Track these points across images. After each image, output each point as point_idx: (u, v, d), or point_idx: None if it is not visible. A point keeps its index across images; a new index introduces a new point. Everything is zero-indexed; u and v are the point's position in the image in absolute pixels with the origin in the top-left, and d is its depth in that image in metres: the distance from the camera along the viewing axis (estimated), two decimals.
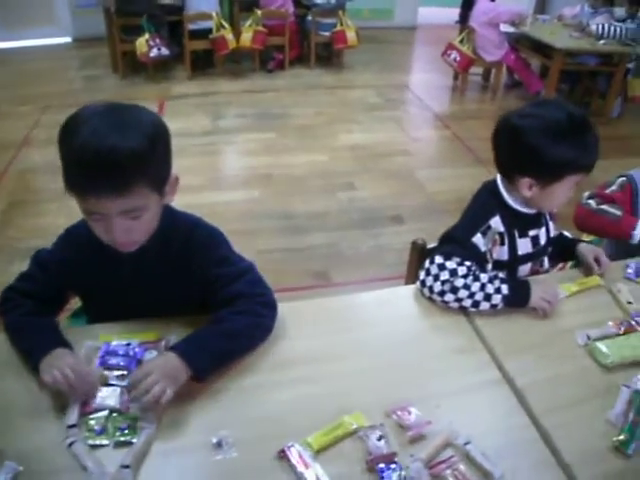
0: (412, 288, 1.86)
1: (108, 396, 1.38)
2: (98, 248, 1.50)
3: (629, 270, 2.00)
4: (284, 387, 1.47)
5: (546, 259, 2.06)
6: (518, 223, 1.90)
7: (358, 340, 1.66)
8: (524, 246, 1.93)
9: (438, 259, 1.75)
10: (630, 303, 1.83)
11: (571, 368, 1.59)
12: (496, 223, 1.84)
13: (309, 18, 7.82)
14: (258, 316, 1.55)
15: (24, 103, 6.43)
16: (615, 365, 1.58)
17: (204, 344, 1.45)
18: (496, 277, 1.76)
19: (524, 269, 1.98)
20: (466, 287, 1.70)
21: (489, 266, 1.86)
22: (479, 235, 1.80)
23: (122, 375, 1.44)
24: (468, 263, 1.74)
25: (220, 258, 1.61)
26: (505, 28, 7.16)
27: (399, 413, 1.38)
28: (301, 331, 1.68)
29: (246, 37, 7.39)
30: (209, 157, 5.41)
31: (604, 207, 2.23)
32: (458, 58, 7.07)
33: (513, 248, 1.90)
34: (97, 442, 1.28)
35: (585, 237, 2.69)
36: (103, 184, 1.30)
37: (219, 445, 1.29)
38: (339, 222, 4.38)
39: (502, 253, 1.89)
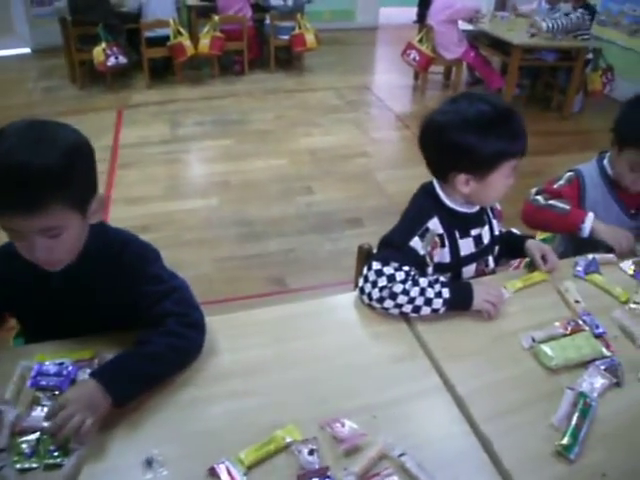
0: (353, 295, 1.81)
1: (40, 417, 1.33)
2: (28, 266, 1.45)
3: (578, 268, 1.97)
4: (219, 401, 1.44)
5: (491, 259, 2.02)
6: (458, 223, 1.86)
7: (296, 350, 1.63)
8: (466, 246, 1.89)
9: (375, 265, 1.70)
10: (578, 302, 1.80)
11: (515, 372, 1.57)
12: (434, 225, 1.79)
13: (267, 22, 7.78)
14: (182, 338, 1.50)
15: None
16: (560, 367, 1.55)
17: (124, 369, 1.41)
18: (437, 281, 1.72)
19: (469, 270, 1.94)
20: (405, 292, 1.65)
21: (430, 270, 1.81)
22: (417, 238, 1.75)
23: (54, 395, 1.41)
24: (406, 268, 1.69)
25: (151, 275, 1.58)
26: (464, 26, 7.16)
27: (333, 425, 1.35)
28: (237, 343, 1.64)
29: (204, 43, 7.32)
30: (167, 166, 5.34)
31: (552, 202, 2.19)
32: (417, 57, 7.04)
33: (455, 249, 1.86)
34: (27, 465, 1.25)
35: (539, 235, 2.67)
36: (14, 202, 1.27)
37: (149, 464, 1.25)
38: (297, 227, 4.36)
39: (444, 255, 1.85)
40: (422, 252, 1.76)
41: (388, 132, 6.37)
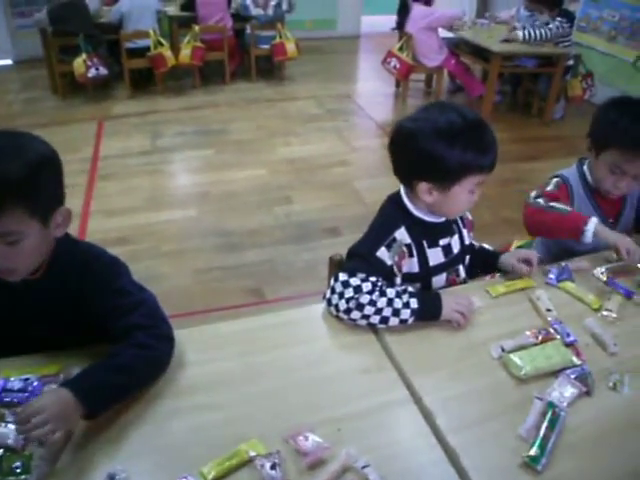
0: (322, 306, 1.78)
1: (4, 434, 1.31)
2: None
3: (550, 275, 1.96)
4: (184, 415, 1.42)
5: (462, 268, 2.00)
6: (426, 233, 1.84)
7: (262, 363, 1.60)
8: (435, 256, 1.86)
9: (342, 276, 1.68)
10: (549, 310, 1.79)
11: (484, 383, 1.55)
12: (402, 235, 1.77)
13: (248, 31, 7.75)
14: (152, 349, 1.49)
15: None
16: (530, 377, 1.54)
17: (96, 381, 1.38)
18: (405, 291, 1.69)
19: (439, 280, 1.92)
20: (372, 303, 1.63)
21: (398, 280, 1.79)
22: (383, 249, 1.73)
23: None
24: (373, 279, 1.67)
25: (117, 289, 1.56)
26: (444, 33, 7.17)
27: (296, 439, 1.33)
28: (204, 356, 1.62)
29: (185, 54, 7.30)
30: (147, 177, 5.30)
31: (553, 204, 2.13)
32: (398, 65, 7.03)
33: (423, 259, 1.84)
34: None
35: (516, 243, 2.65)
36: None
37: None
38: (275, 237, 4.34)
39: (412, 265, 1.83)
40: (389, 262, 1.73)
41: (368, 140, 6.35)
